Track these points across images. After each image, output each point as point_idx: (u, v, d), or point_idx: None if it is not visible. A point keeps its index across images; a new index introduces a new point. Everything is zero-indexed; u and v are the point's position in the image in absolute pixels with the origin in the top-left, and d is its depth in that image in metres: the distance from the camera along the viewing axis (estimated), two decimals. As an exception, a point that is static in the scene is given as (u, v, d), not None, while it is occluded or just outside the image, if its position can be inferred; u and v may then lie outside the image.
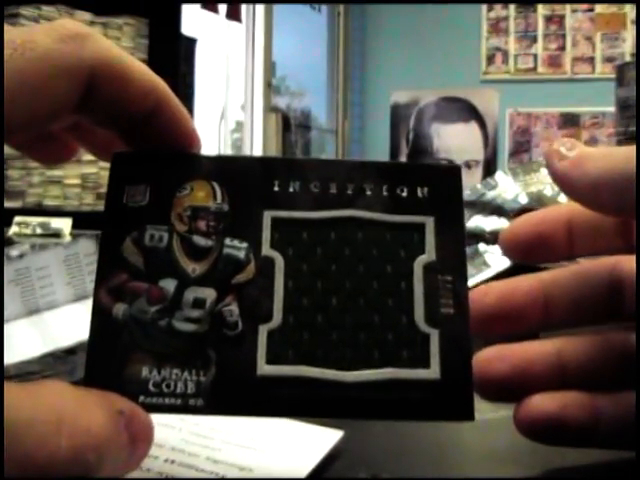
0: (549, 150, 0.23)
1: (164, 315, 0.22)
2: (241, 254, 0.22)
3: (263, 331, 0.22)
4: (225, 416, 0.21)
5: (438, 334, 0.22)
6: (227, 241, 0.23)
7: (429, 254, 0.23)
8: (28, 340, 0.45)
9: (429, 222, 0.23)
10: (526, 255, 0.25)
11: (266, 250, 0.23)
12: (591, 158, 0.22)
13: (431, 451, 0.28)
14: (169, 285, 0.22)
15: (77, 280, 0.52)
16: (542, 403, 0.23)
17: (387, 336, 0.22)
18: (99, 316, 0.22)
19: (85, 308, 0.50)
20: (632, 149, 0.21)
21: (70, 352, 0.42)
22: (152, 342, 0.21)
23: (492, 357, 0.24)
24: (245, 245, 0.22)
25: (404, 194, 0.23)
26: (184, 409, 0.21)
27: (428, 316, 0.22)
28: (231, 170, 0.23)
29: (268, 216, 0.23)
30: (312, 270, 0.23)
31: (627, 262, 0.25)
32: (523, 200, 0.65)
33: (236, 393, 0.21)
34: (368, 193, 0.23)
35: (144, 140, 0.23)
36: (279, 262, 0.22)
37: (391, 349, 0.22)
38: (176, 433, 0.26)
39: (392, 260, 0.23)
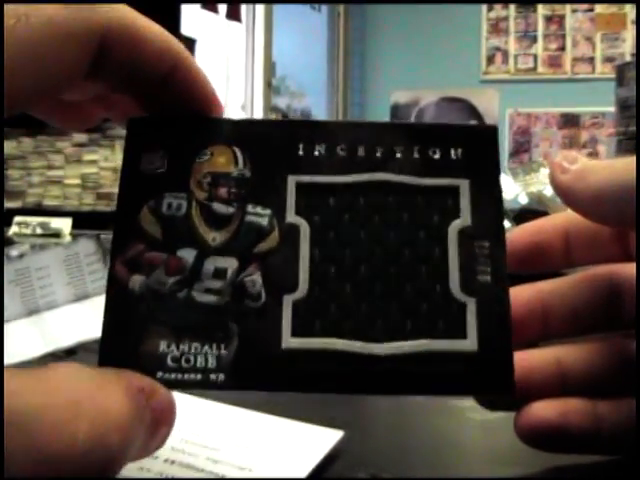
0: (552, 164, 0.23)
1: (183, 286, 0.21)
2: (264, 221, 0.21)
3: (288, 302, 0.21)
4: (247, 391, 0.20)
5: (475, 303, 0.21)
6: (249, 208, 0.22)
7: (464, 218, 0.22)
8: (28, 340, 0.45)
9: (464, 185, 0.22)
10: (524, 265, 0.25)
11: (290, 217, 0.21)
12: (592, 170, 0.22)
13: (431, 451, 0.28)
14: (188, 255, 0.21)
15: (77, 280, 0.52)
16: (542, 411, 0.23)
17: (420, 306, 0.21)
18: (115, 289, 0.21)
19: (85, 308, 0.50)
20: (632, 159, 0.21)
21: (70, 352, 0.42)
22: (170, 315, 0.20)
23: None
24: (268, 212, 0.22)
25: (437, 156, 0.22)
26: (205, 384, 0.20)
27: (464, 284, 0.21)
28: (253, 134, 0.22)
29: (292, 181, 0.22)
30: (339, 238, 0.21)
31: (625, 270, 0.25)
32: (523, 200, 0.65)
33: (259, 367, 0.20)
34: (398, 155, 0.22)
35: (162, 105, 0.22)
36: (304, 229, 0.21)
37: (425, 319, 0.21)
38: (176, 433, 0.26)
39: (425, 226, 0.22)
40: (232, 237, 0.21)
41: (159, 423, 0.18)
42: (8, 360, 0.36)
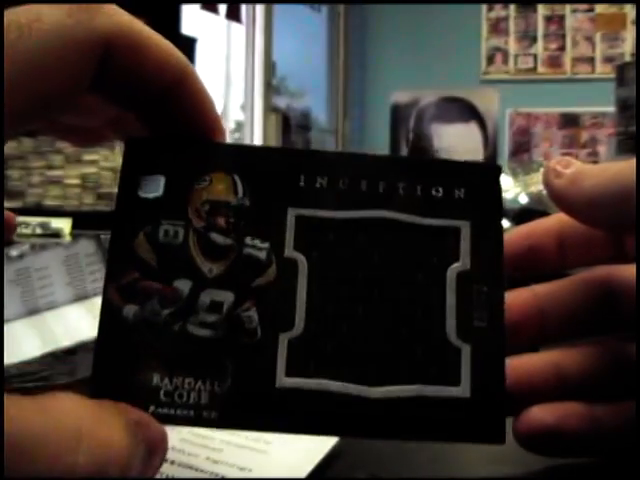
0: (546, 169, 0.23)
1: (178, 318, 0.20)
2: (262, 255, 0.21)
3: (283, 340, 0.21)
4: (240, 430, 0.20)
5: (470, 349, 0.21)
6: (247, 240, 0.21)
7: (463, 262, 0.22)
8: (28, 340, 0.45)
9: (465, 227, 0.22)
10: (517, 268, 0.25)
11: (289, 252, 0.21)
12: (586, 175, 0.22)
13: (431, 451, 0.28)
14: (183, 286, 0.21)
15: (77, 280, 0.52)
16: (540, 415, 0.23)
17: (416, 350, 0.21)
18: (109, 316, 0.20)
19: (85, 308, 0.50)
20: (627, 163, 0.21)
21: (70, 352, 0.42)
22: (164, 347, 0.20)
23: None
24: (267, 245, 0.21)
25: (439, 194, 0.22)
26: (197, 421, 0.20)
27: (460, 329, 0.21)
28: (254, 162, 0.22)
29: (292, 214, 0.22)
30: (337, 275, 0.21)
31: (621, 272, 0.25)
32: (523, 200, 0.65)
33: (252, 406, 0.20)
34: (401, 192, 0.22)
35: (163, 122, 0.22)
36: (302, 265, 0.21)
37: (419, 364, 0.21)
38: (176, 433, 0.26)
39: (423, 267, 0.22)
40: (229, 269, 0.21)
41: (152, 454, 0.18)
42: (8, 360, 0.36)
